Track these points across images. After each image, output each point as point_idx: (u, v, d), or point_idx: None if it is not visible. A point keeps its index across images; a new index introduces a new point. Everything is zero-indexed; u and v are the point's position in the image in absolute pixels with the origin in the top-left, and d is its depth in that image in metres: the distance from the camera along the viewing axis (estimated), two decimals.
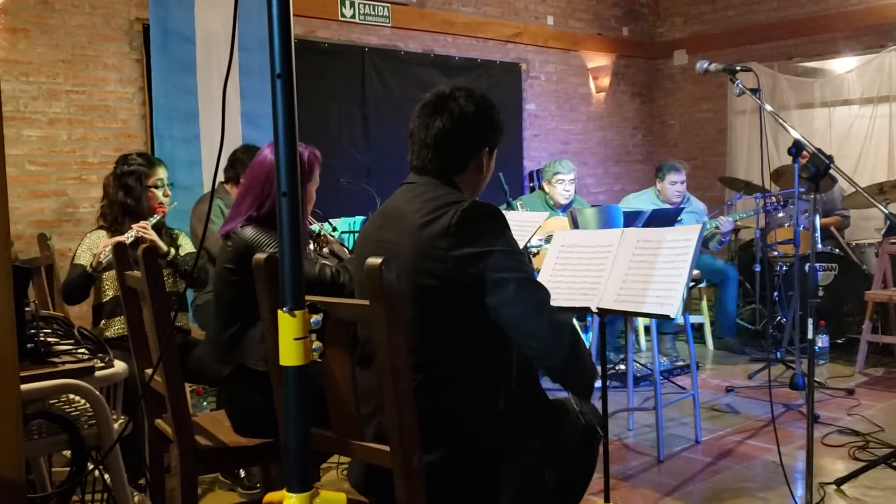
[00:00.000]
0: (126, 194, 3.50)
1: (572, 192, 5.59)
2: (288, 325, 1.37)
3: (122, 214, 3.50)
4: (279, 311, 1.38)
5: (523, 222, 3.80)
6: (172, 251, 3.51)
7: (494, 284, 1.86)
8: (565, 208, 5.41)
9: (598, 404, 2.68)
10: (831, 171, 2.66)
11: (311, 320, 1.41)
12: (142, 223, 3.41)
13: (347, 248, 3.15)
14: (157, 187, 3.56)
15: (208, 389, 4.02)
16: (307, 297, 1.42)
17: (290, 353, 1.38)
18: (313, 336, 1.42)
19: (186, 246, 3.67)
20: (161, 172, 3.61)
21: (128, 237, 3.32)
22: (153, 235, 3.40)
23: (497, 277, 1.86)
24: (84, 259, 3.45)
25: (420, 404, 1.84)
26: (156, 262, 2.36)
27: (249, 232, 2.57)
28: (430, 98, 2.09)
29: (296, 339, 1.37)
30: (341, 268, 2.65)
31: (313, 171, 2.73)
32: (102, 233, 3.51)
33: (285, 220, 1.35)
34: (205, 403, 4.05)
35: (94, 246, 3.46)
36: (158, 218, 3.51)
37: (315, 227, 3.07)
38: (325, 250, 2.89)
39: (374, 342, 1.73)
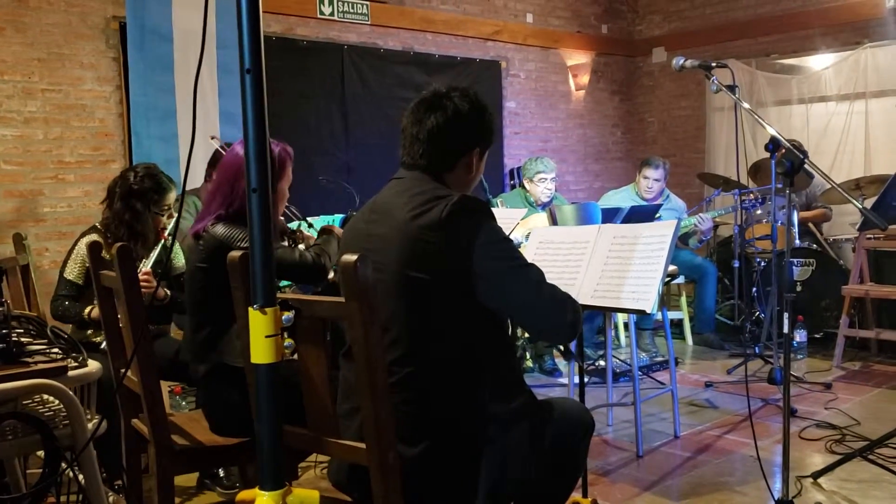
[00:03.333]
0: (132, 217, 3.31)
1: (553, 189, 5.60)
2: (259, 323, 1.37)
3: (127, 235, 3.31)
4: (250, 309, 1.37)
5: (502, 219, 3.80)
6: (168, 294, 3.37)
7: (491, 275, 1.88)
8: (545, 206, 5.42)
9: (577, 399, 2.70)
10: (806, 167, 2.68)
11: (283, 318, 1.40)
12: (145, 274, 3.18)
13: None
14: (163, 213, 3.41)
15: (186, 389, 4.00)
16: (280, 295, 1.42)
17: (261, 351, 1.37)
18: (285, 333, 1.42)
19: (177, 258, 3.58)
20: (171, 198, 3.43)
21: None
22: (154, 284, 3.20)
23: (493, 268, 1.88)
24: (73, 274, 3.33)
25: (406, 396, 1.86)
26: (131, 262, 2.34)
27: (220, 229, 2.53)
28: (426, 95, 2.10)
29: (267, 336, 1.37)
30: (321, 251, 2.65)
31: (285, 167, 2.70)
32: (98, 237, 3.36)
33: (255, 216, 1.34)
34: (183, 403, 4.03)
35: (87, 257, 3.33)
36: (160, 249, 3.37)
37: (293, 224, 3.06)
38: (301, 247, 2.87)
39: (349, 339, 1.73)
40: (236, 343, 2.47)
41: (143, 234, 3.36)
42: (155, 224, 3.40)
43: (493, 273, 1.89)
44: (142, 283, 3.04)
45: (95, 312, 3.19)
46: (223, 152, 3.41)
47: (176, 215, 3.43)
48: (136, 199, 3.33)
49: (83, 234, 3.44)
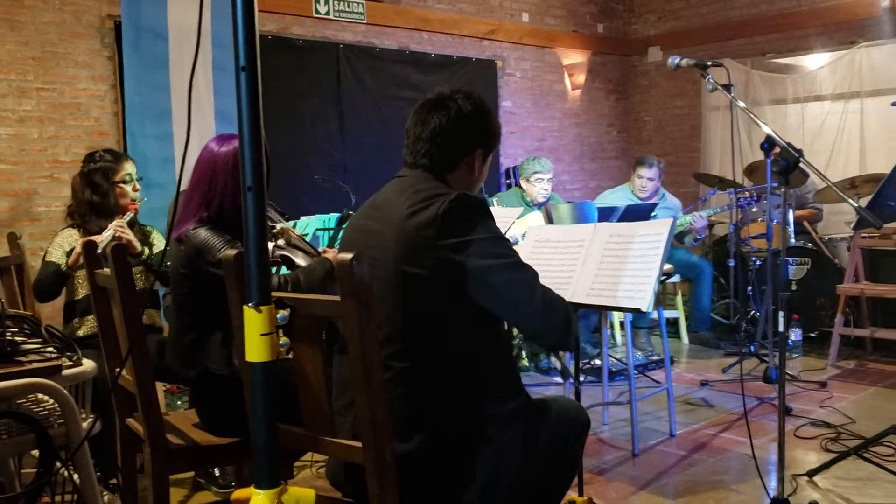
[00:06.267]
0: (93, 192, 3.45)
1: (550, 189, 5.61)
2: (254, 321, 1.36)
3: (90, 213, 3.45)
4: (245, 307, 1.37)
5: (498, 218, 3.80)
6: (146, 250, 3.47)
7: (484, 271, 1.88)
8: (541, 205, 5.42)
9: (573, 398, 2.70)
10: (801, 165, 2.68)
11: (278, 316, 1.40)
12: (118, 222, 3.35)
13: (310, 243, 3.10)
14: (125, 182, 3.51)
15: (182, 388, 3.99)
16: (275, 294, 1.42)
17: (256, 349, 1.37)
18: (281, 332, 1.42)
19: (159, 243, 3.64)
20: (129, 167, 3.55)
21: (105, 238, 3.27)
22: (130, 235, 3.36)
23: (486, 264, 1.89)
24: (55, 256, 3.41)
25: (401, 392, 1.86)
26: (125, 260, 2.33)
27: (202, 234, 2.47)
28: (430, 97, 2.13)
29: (262, 334, 1.36)
30: (297, 279, 2.57)
31: None
32: (73, 231, 3.47)
33: (251, 214, 1.34)
34: (179, 402, 4.02)
35: (66, 244, 3.42)
36: (132, 216, 3.47)
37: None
38: (281, 241, 2.83)
39: (345, 337, 1.73)
40: (220, 350, 2.46)
41: (108, 207, 3.46)
42: (119, 196, 3.50)
43: (487, 270, 1.89)
44: (116, 227, 3.28)
45: (73, 259, 3.31)
46: None
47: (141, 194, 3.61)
48: (94, 175, 3.47)
49: (60, 230, 3.54)
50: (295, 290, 2.51)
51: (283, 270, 2.78)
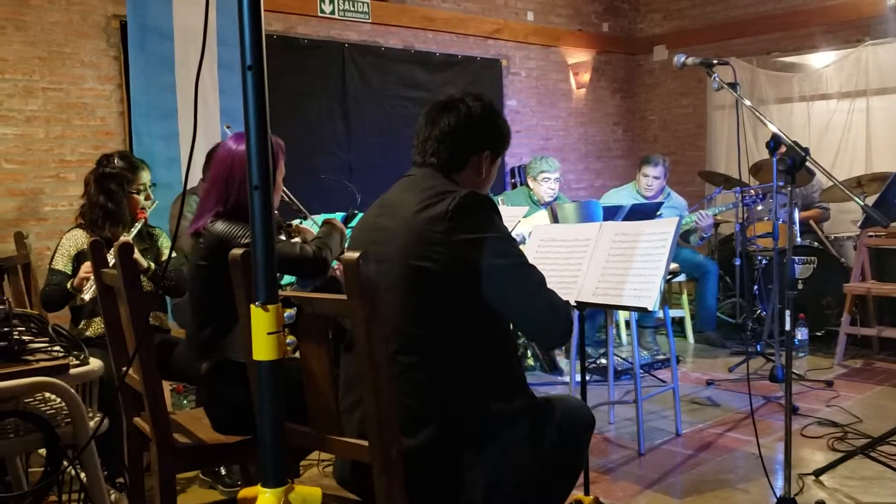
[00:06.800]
0: (107, 198, 3.43)
1: (557, 189, 5.60)
2: (261, 320, 1.36)
3: (102, 218, 3.44)
4: (252, 306, 1.37)
5: (504, 217, 3.80)
6: (152, 265, 3.45)
7: (491, 270, 1.91)
8: (548, 205, 5.42)
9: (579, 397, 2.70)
10: (808, 164, 2.67)
11: (285, 315, 1.40)
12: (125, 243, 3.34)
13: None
14: (139, 192, 3.52)
15: (188, 387, 4.00)
16: (282, 293, 1.42)
17: (263, 348, 1.37)
18: (287, 330, 1.42)
19: (167, 248, 3.63)
20: (144, 177, 3.56)
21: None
22: (137, 255, 3.34)
23: (494, 263, 1.91)
24: (60, 264, 3.40)
25: (409, 386, 1.88)
26: (132, 259, 2.34)
27: (220, 226, 2.54)
28: (441, 99, 2.18)
29: (269, 333, 1.37)
30: (322, 245, 2.67)
31: (278, 160, 2.72)
32: (80, 232, 3.47)
33: (257, 213, 1.34)
34: (185, 402, 4.03)
35: (73, 248, 3.42)
36: (139, 226, 3.47)
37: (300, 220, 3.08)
38: (297, 240, 2.88)
39: (353, 337, 1.74)
40: (241, 340, 2.47)
41: (120, 216, 3.45)
42: (131, 205, 3.50)
43: (494, 269, 1.91)
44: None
45: (78, 282, 3.31)
46: None
47: (154, 198, 3.64)
48: (109, 181, 3.46)
49: (68, 231, 3.54)
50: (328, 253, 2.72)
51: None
